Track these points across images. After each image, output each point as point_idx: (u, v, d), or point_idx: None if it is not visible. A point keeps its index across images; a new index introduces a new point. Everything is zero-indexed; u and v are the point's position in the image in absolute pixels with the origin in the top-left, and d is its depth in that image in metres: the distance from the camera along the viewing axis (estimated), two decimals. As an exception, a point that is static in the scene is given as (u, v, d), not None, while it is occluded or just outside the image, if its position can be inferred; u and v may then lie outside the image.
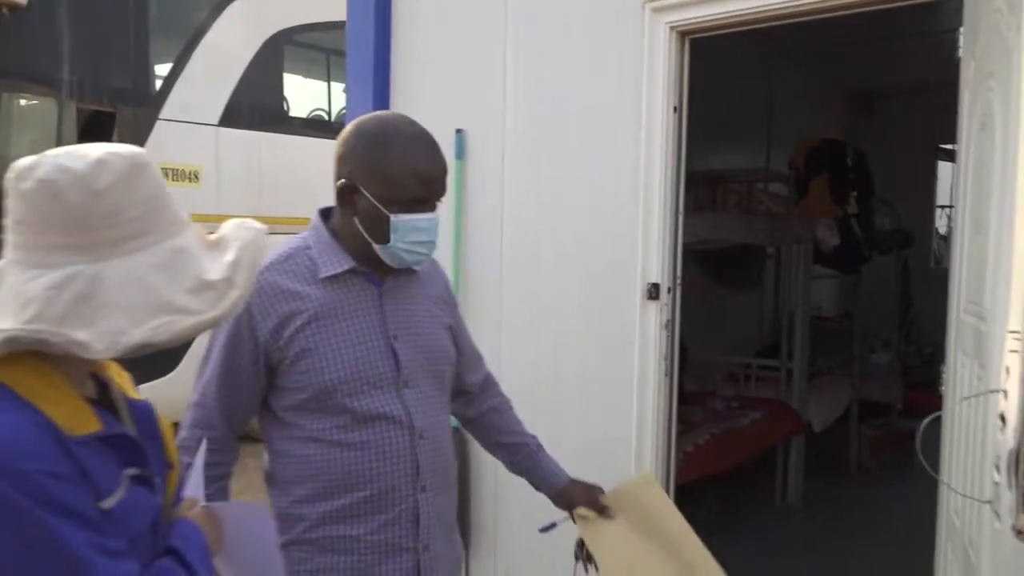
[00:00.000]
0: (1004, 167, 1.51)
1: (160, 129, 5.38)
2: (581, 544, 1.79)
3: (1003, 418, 1.40)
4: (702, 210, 4.49)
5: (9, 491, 0.88)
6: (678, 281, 2.52)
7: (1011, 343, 1.37)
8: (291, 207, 5.14)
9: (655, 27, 2.43)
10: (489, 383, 1.84)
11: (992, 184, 1.61)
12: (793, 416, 4.69)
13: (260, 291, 1.46)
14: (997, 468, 1.40)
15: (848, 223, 5.09)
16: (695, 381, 4.94)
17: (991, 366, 1.54)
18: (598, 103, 2.58)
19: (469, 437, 2.76)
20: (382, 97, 3.05)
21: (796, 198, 4.99)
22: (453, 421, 1.77)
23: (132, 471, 1.01)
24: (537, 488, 1.82)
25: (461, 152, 2.86)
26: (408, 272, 1.60)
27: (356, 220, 1.50)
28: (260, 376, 1.50)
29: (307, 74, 6.73)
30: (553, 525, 1.84)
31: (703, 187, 4.72)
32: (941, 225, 7.65)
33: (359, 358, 1.50)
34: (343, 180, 1.50)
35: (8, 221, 0.96)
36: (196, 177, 5.50)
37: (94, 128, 5.07)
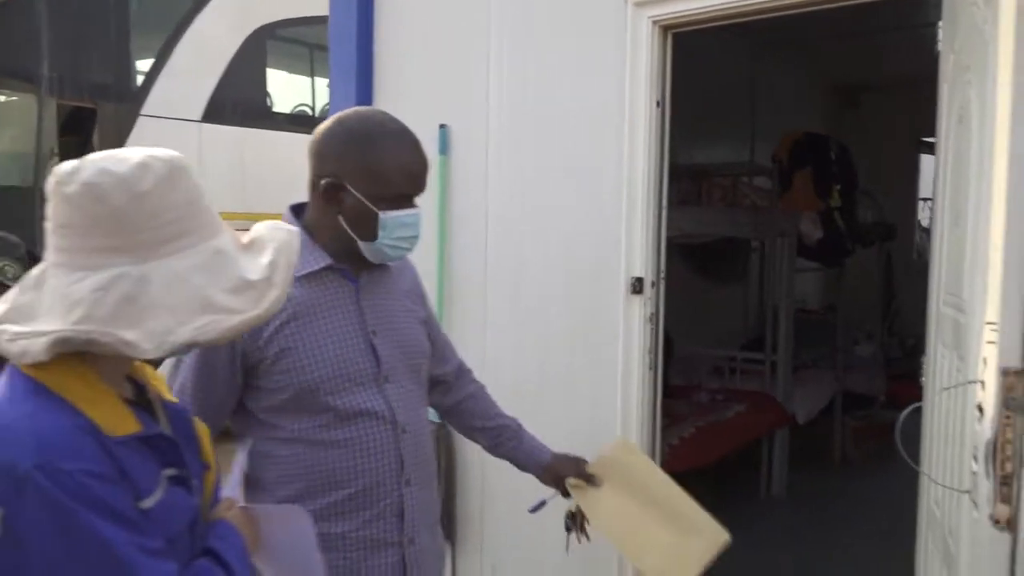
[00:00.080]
0: (981, 160, 1.53)
1: (142, 125, 5.35)
2: (572, 515, 1.84)
3: (980, 408, 1.42)
4: (687, 204, 4.51)
5: (52, 491, 0.90)
6: (662, 275, 2.52)
7: (988, 334, 1.39)
8: (275, 203, 5.11)
9: (638, 21, 2.43)
10: (463, 370, 1.86)
11: (969, 177, 1.63)
12: (777, 408, 4.72)
13: None
14: (975, 458, 1.42)
15: (831, 216, 5.12)
16: (681, 375, 4.96)
17: (969, 357, 1.55)
18: (581, 98, 2.58)
19: (454, 432, 2.78)
20: (365, 92, 3.04)
21: (780, 192, 5.01)
22: (433, 415, 1.78)
23: (170, 472, 1.03)
24: (522, 468, 1.84)
25: (445, 147, 2.86)
26: (381, 267, 1.59)
27: (341, 218, 1.49)
28: (236, 377, 1.48)
29: (291, 69, 6.69)
30: (543, 503, 1.86)
31: (688, 181, 4.74)
32: (923, 218, 7.71)
33: (340, 355, 1.50)
34: (328, 178, 1.49)
35: (50, 225, 0.98)
36: (179, 173, 5.45)
37: (75, 124, 5.04)
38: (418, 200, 1.55)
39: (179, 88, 5.57)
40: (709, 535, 1.78)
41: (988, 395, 1.39)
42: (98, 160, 0.96)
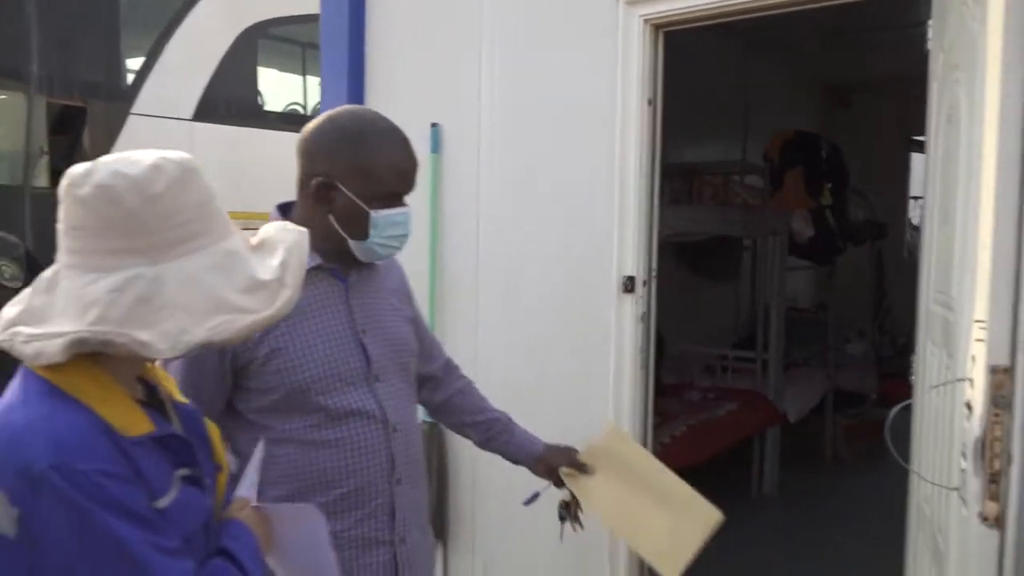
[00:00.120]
0: (970, 159, 1.53)
1: (132, 124, 5.31)
2: (566, 505, 1.86)
3: (969, 406, 1.42)
4: (678, 202, 4.51)
5: (68, 491, 0.91)
6: (654, 274, 2.53)
7: (977, 332, 1.40)
8: (267, 202, 5.10)
9: (629, 20, 2.43)
10: (451, 366, 1.87)
11: (959, 176, 1.64)
12: (769, 407, 4.73)
13: None
14: (964, 455, 1.43)
15: (823, 215, 5.14)
16: (673, 373, 4.97)
17: (958, 355, 1.56)
18: (573, 96, 2.58)
19: (446, 431, 2.78)
20: (357, 91, 3.03)
21: (771, 190, 5.02)
22: (424, 415, 1.78)
23: (184, 472, 1.04)
24: (515, 460, 1.84)
25: (437, 146, 2.85)
26: (369, 266, 1.59)
27: (331, 217, 1.49)
28: (226, 377, 1.47)
29: (282, 68, 6.67)
30: (537, 495, 1.87)
31: (679, 180, 4.75)
32: (914, 216, 7.73)
33: (330, 355, 1.50)
34: (320, 178, 1.49)
35: (62, 227, 0.99)
36: (170, 173, 5.43)
37: (64, 123, 5.00)
38: (408, 199, 1.55)
39: (170, 87, 5.53)
40: (703, 515, 1.82)
41: (977, 393, 1.39)
42: (111, 162, 0.98)
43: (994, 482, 1.35)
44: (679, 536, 1.78)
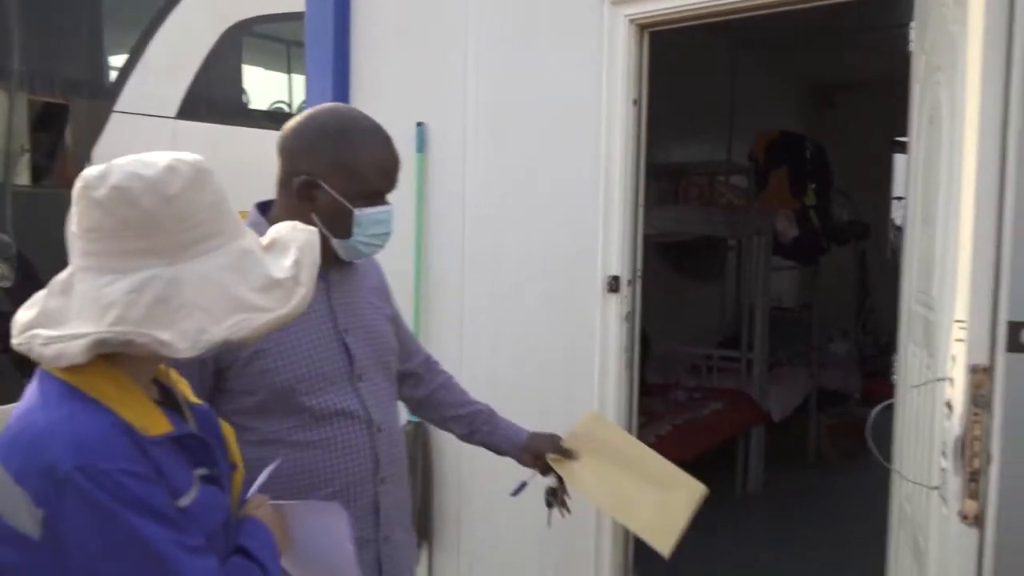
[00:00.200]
0: (951, 160, 1.54)
1: (115, 122, 5.27)
2: (553, 491, 1.87)
3: (950, 405, 1.43)
4: (664, 202, 4.53)
5: (93, 492, 0.92)
6: (638, 274, 2.53)
7: (957, 332, 1.41)
8: (251, 200, 5.07)
9: (614, 20, 2.44)
10: (431, 362, 1.87)
11: (940, 177, 1.65)
12: (753, 406, 4.75)
13: None
14: (944, 455, 1.44)
15: (807, 215, 5.17)
16: (658, 373, 4.98)
17: (939, 355, 1.57)
18: (558, 96, 2.58)
19: (432, 430, 2.78)
20: (342, 89, 3.02)
21: (756, 190, 5.04)
22: (408, 415, 1.77)
23: (202, 471, 1.05)
24: (500, 451, 1.85)
25: (422, 145, 2.85)
26: (349, 264, 1.59)
27: (314, 216, 1.48)
28: (206, 378, 1.46)
29: (267, 66, 6.63)
30: (524, 485, 1.88)
31: (665, 180, 4.76)
32: (898, 217, 7.79)
33: (313, 355, 1.49)
34: (302, 176, 1.48)
35: (77, 229, 0.99)
36: (154, 171, 5.39)
37: (46, 120, 4.96)
38: (392, 198, 1.55)
39: (153, 84, 5.49)
40: (688, 490, 1.86)
41: (957, 392, 1.40)
42: (125, 164, 0.98)
43: (974, 481, 1.36)
44: (668, 511, 1.81)
